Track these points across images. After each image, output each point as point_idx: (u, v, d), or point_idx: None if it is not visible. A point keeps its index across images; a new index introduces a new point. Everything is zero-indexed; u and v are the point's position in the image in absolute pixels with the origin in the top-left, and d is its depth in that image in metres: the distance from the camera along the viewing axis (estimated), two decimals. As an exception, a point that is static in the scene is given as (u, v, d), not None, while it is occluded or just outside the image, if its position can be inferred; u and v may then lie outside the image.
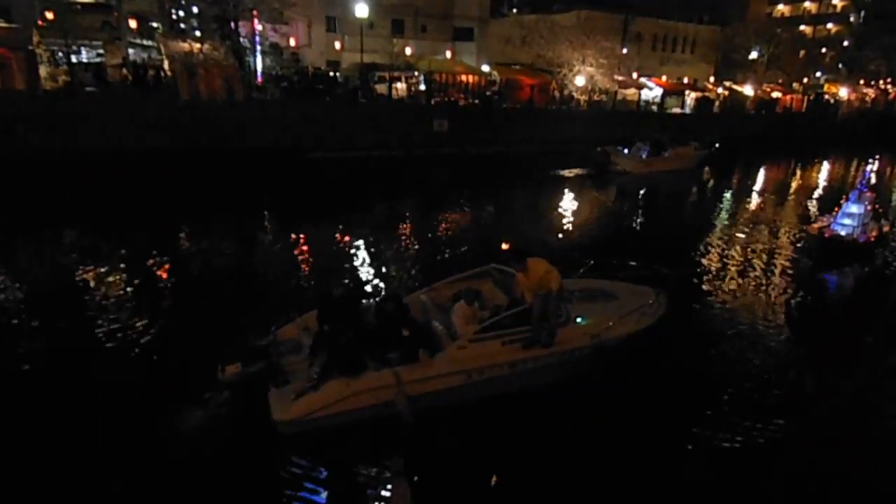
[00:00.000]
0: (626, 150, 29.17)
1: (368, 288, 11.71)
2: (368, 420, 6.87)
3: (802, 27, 63.15)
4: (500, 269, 8.87)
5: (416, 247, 15.12)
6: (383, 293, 8.20)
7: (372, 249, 14.67)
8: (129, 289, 11.35)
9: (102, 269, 12.37)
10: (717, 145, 32.70)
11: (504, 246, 8.24)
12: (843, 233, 14.77)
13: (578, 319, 8.33)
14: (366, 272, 12.88)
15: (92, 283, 11.60)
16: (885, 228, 16.02)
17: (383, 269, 13.07)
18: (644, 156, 29.10)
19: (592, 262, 10.06)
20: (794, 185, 30.21)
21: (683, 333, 9.93)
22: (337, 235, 15.87)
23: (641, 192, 25.83)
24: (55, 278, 12.02)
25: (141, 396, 7.54)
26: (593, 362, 8.10)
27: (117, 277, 11.97)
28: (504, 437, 7.13)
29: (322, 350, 7.16)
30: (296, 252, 14.43)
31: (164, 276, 12.37)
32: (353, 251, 14.49)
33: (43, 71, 24.16)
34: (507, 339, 7.66)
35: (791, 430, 7.65)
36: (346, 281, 11.99)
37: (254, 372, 7.15)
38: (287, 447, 6.66)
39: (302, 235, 15.62)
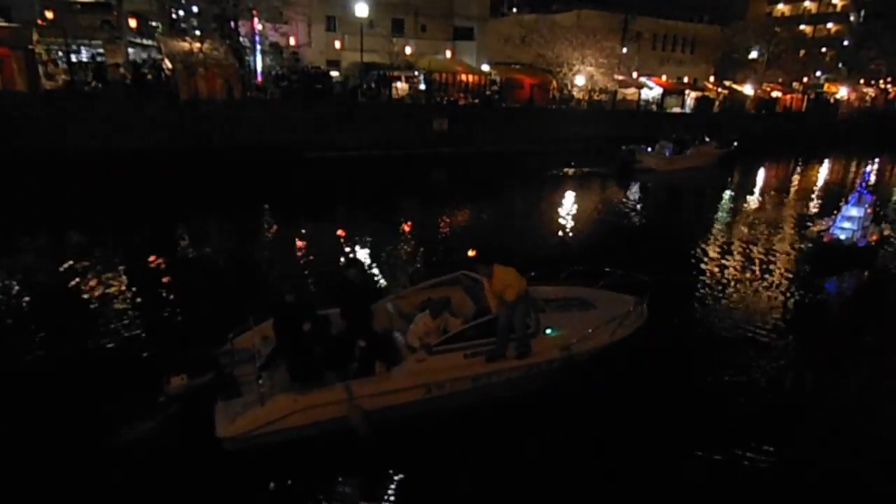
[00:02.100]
0: (649, 149, 29.94)
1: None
2: (320, 436, 6.49)
3: (802, 27, 63.14)
4: (471, 276, 8.42)
5: (413, 247, 15.04)
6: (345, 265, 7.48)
7: (367, 250, 14.59)
8: (107, 290, 11.05)
9: (85, 270, 12.13)
10: (735, 144, 33.82)
11: (471, 253, 7.85)
12: (842, 237, 14.39)
13: (548, 331, 7.87)
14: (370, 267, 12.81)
15: (66, 285, 11.33)
16: (886, 232, 15.64)
17: (375, 270, 12.99)
18: (668, 154, 30.01)
19: (571, 269, 9.59)
20: (793, 185, 30.19)
21: (671, 343, 9.51)
22: (334, 236, 15.81)
23: (645, 191, 25.85)
24: (32, 279, 11.72)
25: (83, 406, 7.12)
26: (563, 376, 7.71)
27: (98, 279, 11.68)
28: (466, 455, 6.78)
29: (279, 361, 6.72)
30: (290, 253, 14.27)
31: (148, 276, 12.01)
32: (348, 252, 14.40)
33: (43, 70, 24.15)
34: (471, 351, 7.26)
35: (791, 431, 7.65)
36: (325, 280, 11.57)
37: (202, 383, 6.71)
38: (233, 465, 6.27)
39: (298, 236, 15.53)
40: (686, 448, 7.09)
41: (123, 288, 11.24)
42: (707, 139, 32.67)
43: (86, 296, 10.82)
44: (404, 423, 6.87)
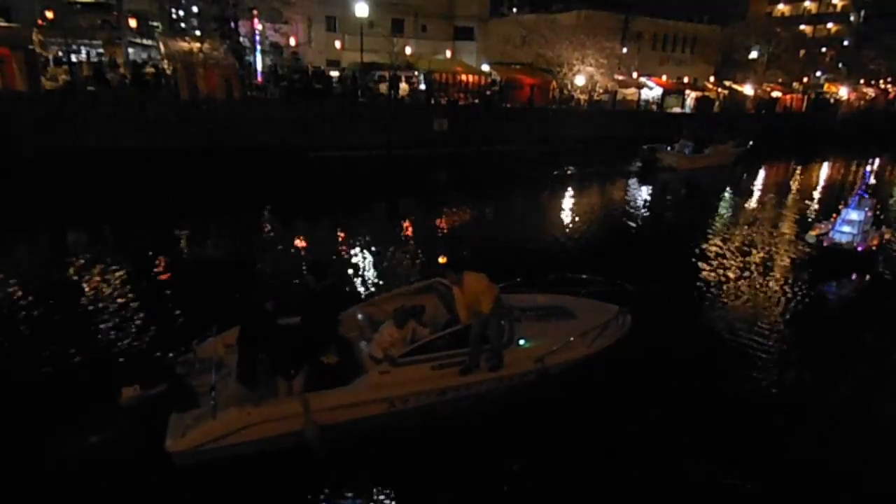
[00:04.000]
0: (668, 148, 30.73)
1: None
2: (276, 452, 6.17)
3: (802, 26, 63.16)
4: (444, 283, 7.98)
5: (411, 248, 14.99)
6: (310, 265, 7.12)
7: (363, 251, 14.53)
8: (84, 292, 10.85)
9: (70, 271, 12.02)
10: (751, 143, 34.80)
11: (441, 259, 7.40)
12: (842, 241, 14.14)
13: (521, 341, 7.53)
14: (350, 273, 12.67)
15: (44, 285, 11.13)
16: (887, 236, 15.35)
17: (369, 271, 12.94)
18: (687, 152, 30.84)
19: (553, 276, 9.16)
20: (793, 186, 30.18)
21: (659, 353, 9.12)
22: (332, 236, 15.78)
23: (648, 191, 25.84)
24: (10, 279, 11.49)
25: (25, 418, 6.76)
26: (538, 390, 7.36)
27: (80, 280, 11.52)
28: (430, 474, 6.42)
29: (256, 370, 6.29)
30: (282, 257, 14.02)
31: (131, 279, 11.67)
32: (344, 252, 14.31)
33: (43, 70, 24.16)
34: (438, 363, 6.89)
35: (791, 431, 7.66)
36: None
37: (155, 394, 6.35)
38: (183, 483, 5.92)
39: (294, 238, 15.43)
40: (674, 459, 6.97)
41: (102, 290, 10.98)
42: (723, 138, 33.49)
43: (60, 298, 10.55)
44: (365, 438, 6.54)
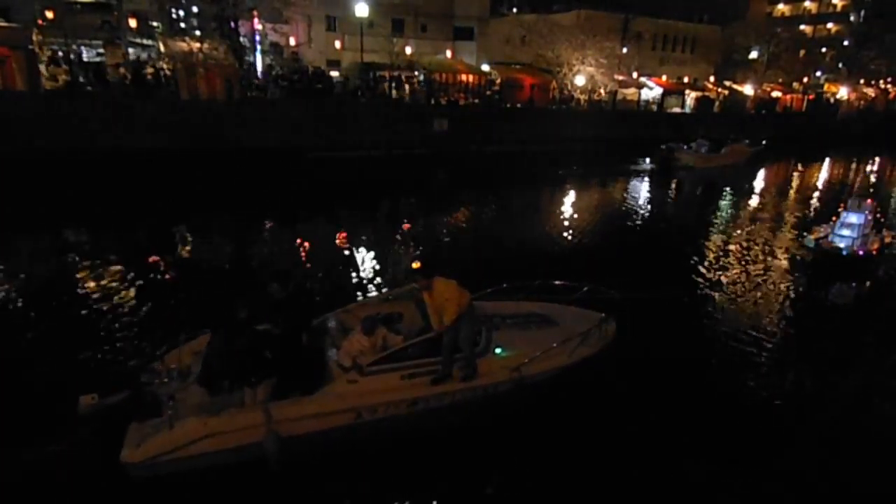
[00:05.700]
0: (686, 147, 31.67)
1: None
2: (237, 465, 5.94)
3: (802, 27, 63.11)
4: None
5: (406, 251, 14.93)
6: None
7: (358, 253, 14.47)
8: (73, 293, 10.84)
9: (62, 272, 12.04)
10: (764, 143, 35.82)
11: (415, 265, 7.22)
12: (841, 245, 13.88)
13: (498, 350, 7.28)
14: (344, 274, 12.63)
15: (32, 286, 11.22)
16: (887, 239, 15.05)
17: (361, 274, 12.86)
18: (704, 151, 31.85)
19: (538, 283, 8.98)
20: (795, 186, 30.20)
21: (652, 360, 8.93)
22: (329, 238, 15.77)
23: (646, 192, 25.82)
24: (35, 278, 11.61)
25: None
26: (515, 400, 7.11)
27: (70, 281, 11.51)
28: (399, 491, 6.14)
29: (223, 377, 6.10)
30: (281, 257, 13.98)
31: (124, 280, 11.63)
32: (338, 254, 14.27)
33: (43, 70, 24.14)
34: (409, 371, 6.65)
35: (791, 431, 7.66)
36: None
37: (114, 403, 6.14)
38: (140, 495, 5.72)
39: (293, 238, 15.43)
40: (673, 460, 6.92)
41: (87, 293, 10.92)
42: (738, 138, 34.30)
43: (41, 299, 10.50)
44: (331, 451, 6.31)
